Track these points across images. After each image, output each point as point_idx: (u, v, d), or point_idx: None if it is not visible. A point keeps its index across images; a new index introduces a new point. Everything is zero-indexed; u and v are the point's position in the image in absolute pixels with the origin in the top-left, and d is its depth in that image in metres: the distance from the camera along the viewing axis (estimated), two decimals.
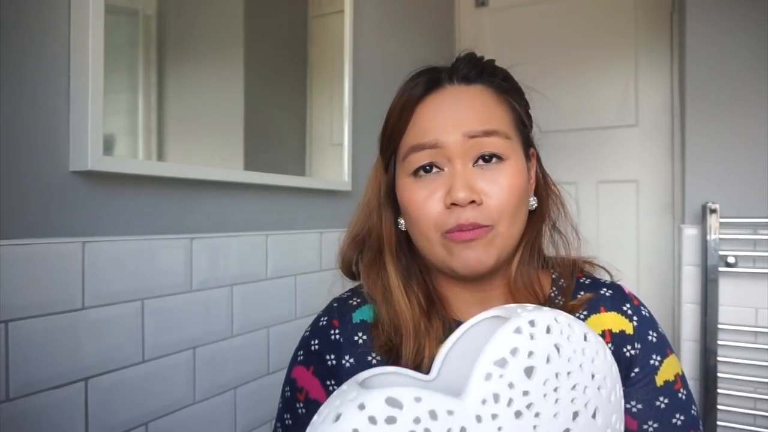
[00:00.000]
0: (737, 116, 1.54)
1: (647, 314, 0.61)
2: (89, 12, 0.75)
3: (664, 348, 0.59)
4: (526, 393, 0.37)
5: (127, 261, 0.83)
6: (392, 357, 0.56)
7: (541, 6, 2.02)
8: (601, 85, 1.90)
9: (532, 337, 0.38)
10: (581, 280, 0.62)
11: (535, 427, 0.38)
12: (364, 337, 0.59)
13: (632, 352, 0.58)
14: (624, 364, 0.57)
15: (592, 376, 0.41)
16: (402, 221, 0.60)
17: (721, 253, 1.52)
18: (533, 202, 0.60)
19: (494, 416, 0.36)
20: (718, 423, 1.53)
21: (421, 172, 0.56)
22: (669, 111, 1.82)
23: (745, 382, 1.50)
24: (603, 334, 0.58)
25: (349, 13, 1.39)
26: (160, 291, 0.89)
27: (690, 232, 1.59)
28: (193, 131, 0.99)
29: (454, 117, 0.55)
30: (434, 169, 0.55)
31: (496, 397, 0.37)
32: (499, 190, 0.53)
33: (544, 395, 0.38)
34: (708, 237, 1.52)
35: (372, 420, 0.33)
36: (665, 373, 0.58)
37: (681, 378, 0.59)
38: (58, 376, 0.74)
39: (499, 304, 0.59)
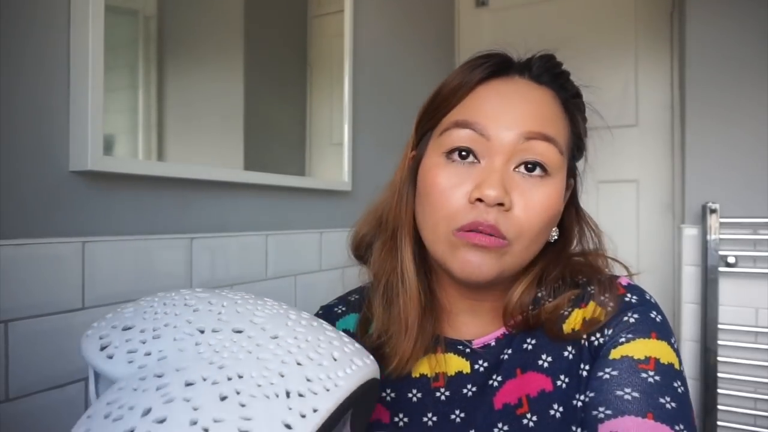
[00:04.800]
0: (737, 116, 1.54)
1: (634, 300, 0.52)
2: (89, 12, 0.74)
3: (644, 330, 0.50)
4: None
5: (127, 261, 0.83)
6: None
7: (541, 6, 2.02)
8: (601, 84, 1.90)
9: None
10: (575, 279, 0.56)
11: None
12: None
13: (600, 340, 0.51)
14: (592, 355, 0.51)
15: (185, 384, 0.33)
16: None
17: (721, 253, 1.52)
18: (554, 233, 0.55)
19: None
20: (718, 423, 1.53)
21: (456, 156, 0.50)
22: (669, 110, 1.82)
23: (745, 382, 1.50)
24: (582, 327, 0.53)
25: (349, 13, 1.39)
26: (161, 291, 0.89)
27: (690, 232, 1.59)
28: (193, 131, 0.99)
29: (513, 112, 0.49)
30: (470, 157, 0.50)
31: None
32: (532, 204, 0.48)
33: None
34: (708, 237, 1.52)
35: None
36: (630, 349, 0.49)
37: (658, 363, 0.47)
38: (58, 376, 0.74)
39: (490, 317, 0.56)
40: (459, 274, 0.50)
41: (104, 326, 0.39)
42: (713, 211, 1.52)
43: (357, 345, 0.42)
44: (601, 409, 0.46)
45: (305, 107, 1.30)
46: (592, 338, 0.52)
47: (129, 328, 0.38)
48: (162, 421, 0.31)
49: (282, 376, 0.34)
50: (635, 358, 0.48)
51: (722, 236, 1.52)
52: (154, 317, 0.39)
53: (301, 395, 0.34)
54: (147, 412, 0.31)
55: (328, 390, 0.35)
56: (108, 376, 0.35)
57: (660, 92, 1.83)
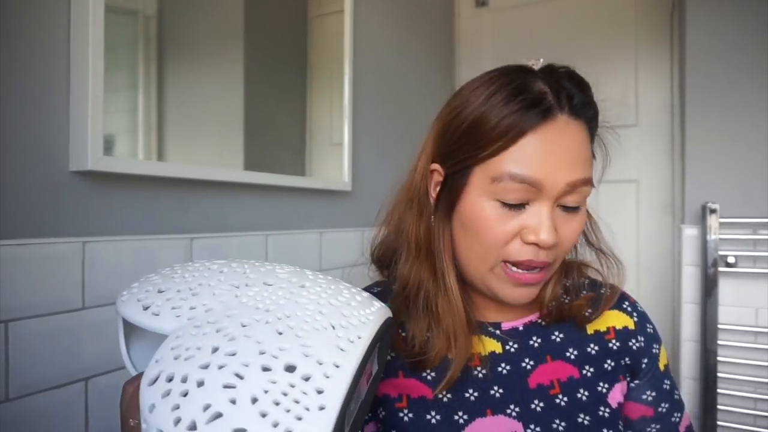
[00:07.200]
0: (737, 116, 1.54)
1: (641, 309, 0.66)
2: (89, 12, 0.75)
3: (658, 337, 0.65)
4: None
5: (127, 261, 0.83)
6: (417, 357, 0.57)
7: (541, 6, 2.02)
8: (601, 85, 1.90)
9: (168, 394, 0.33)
10: (581, 280, 0.65)
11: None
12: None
13: (637, 345, 0.62)
14: (632, 356, 0.62)
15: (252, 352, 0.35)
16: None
17: (721, 253, 1.52)
18: None
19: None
20: (718, 423, 1.53)
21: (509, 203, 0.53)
22: (669, 111, 1.82)
23: (745, 382, 1.50)
24: (608, 331, 0.62)
25: (349, 13, 1.39)
26: None
27: (690, 232, 1.59)
28: (193, 131, 0.99)
29: (564, 161, 0.52)
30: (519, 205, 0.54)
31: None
32: (571, 235, 0.55)
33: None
34: (708, 237, 1.52)
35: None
36: (663, 358, 0.64)
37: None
38: (58, 376, 0.74)
39: (518, 310, 0.62)
40: (504, 301, 0.57)
41: (137, 291, 0.42)
42: (713, 211, 1.52)
43: (366, 293, 0.47)
44: (677, 414, 0.64)
45: (305, 107, 1.30)
46: (629, 343, 0.62)
47: (164, 291, 0.41)
48: (233, 354, 0.34)
49: (322, 314, 0.39)
50: (667, 365, 0.65)
51: (722, 236, 1.52)
52: (183, 280, 0.42)
53: (343, 327, 0.39)
54: (215, 349, 0.34)
55: (363, 323, 0.40)
56: (158, 330, 0.39)
57: (660, 92, 1.83)
